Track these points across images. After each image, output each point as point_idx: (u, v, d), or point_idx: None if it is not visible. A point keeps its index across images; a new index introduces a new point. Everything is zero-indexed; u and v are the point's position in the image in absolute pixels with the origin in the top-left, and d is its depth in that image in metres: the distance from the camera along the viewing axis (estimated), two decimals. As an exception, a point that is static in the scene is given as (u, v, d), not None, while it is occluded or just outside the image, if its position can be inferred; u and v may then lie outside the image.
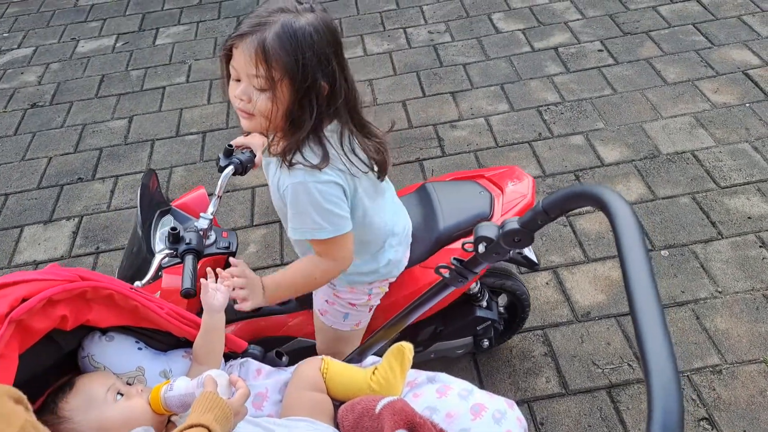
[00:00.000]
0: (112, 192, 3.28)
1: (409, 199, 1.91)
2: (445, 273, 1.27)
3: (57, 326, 1.15)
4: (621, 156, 3.07)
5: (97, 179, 3.38)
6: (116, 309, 1.26)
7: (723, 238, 2.64)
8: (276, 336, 2.01)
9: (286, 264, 2.78)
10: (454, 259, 1.26)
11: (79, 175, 3.42)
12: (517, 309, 2.21)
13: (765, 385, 2.16)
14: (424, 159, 3.20)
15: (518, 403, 1.40)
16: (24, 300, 1.07)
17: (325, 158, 1.35)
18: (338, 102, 1.34)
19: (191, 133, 3.59)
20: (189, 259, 1.53)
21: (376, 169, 1.47)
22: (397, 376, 1.41)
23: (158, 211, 1.78)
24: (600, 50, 3.78)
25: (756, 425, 2.06)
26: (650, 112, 3.30)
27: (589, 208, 2.83)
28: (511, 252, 1.16)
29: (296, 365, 1.46)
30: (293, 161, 1.34)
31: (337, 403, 1.39)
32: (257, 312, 1.97)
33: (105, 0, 5.12)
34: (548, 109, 3.42)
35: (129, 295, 1.25)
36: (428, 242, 1.80)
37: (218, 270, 1.42)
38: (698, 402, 2.14)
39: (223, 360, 1.41)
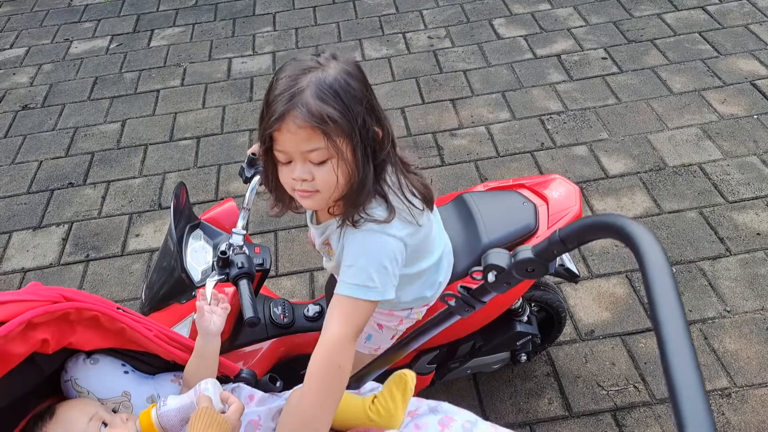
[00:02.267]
0: (104, 198, 3.19)
1: (444, 212, 1.79)
2: (451, 301, 1.19)
3: (37, 350, 1.07)
4: (626, 168, 3.00)
5: (88, 184, 3.29)
6: (102, 331, 1.17)
7: (731, 254, 2.57)
8: (309, 353, 1.93)
9: (282, 275, 2.69)
10: (461, 287, 1.18)
11: (70, 179, 3.33)
12: (554, 321, 2.13)
13: (776, 409, 2.09)
14: (423, 168, 3.12)
15: (520, 426, 1.33)
16: (1, 323, 0.99)
17: (391, 210, 1.24)
18: (389, 144, 1.23)
19: (185, 138, 3.51)
20: (244, 285, 1.46)
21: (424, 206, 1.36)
22: (398, 406, 1.33)
23: (188, 226, 1.71)
24: (604, 58, 3.71)
25: (767, 452, 1.98)
26: (656, 122, 3.23)
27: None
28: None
29: (291, 391, 1.38)
30: (356, 219, 1.23)
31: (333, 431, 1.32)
32: (290, 329, 1.90)
33: (99, 0, 5.03)
34: (551, 118, 3.34)
35: (115, 317, 1.16)
36: (471, 258, 1.70)
37: (214, 291, 1.33)
38: (707, 426, 2.06)
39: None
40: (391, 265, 1.23)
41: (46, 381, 1.22)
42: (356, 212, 1.22)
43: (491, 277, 1.09)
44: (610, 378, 2.23)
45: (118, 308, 1.20)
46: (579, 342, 2.35)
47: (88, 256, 2.88)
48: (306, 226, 2.85)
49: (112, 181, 3.29)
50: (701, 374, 0.63)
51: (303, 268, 2.71)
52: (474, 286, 1.16)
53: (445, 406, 1.37)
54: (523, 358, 2.11)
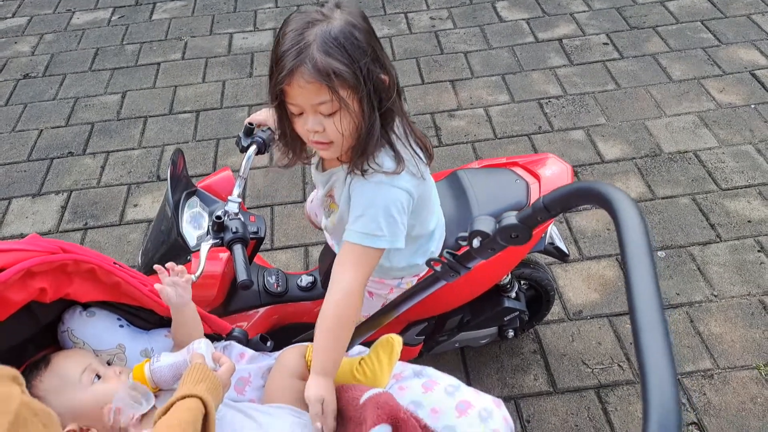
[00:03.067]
0: (103, 168, 3.22)
1: (439, 187, 1.82)
2: (437, 266, 1.22)
3: (35, 298, 1.10)
4: (622, 153, 3.02)
5: (87, 154, 3.31)
6: (98, 284, 1.21)
7: (721, 241, 2.60)
8: (302, 323, 1.97)
9: (277, 249, 2.73)
10: (447, 252, 1.21)
11: (70, 149, 3.35)
12: (543, 299, 2.17)
13: (757, 392, 2.13)
14: (422, 147, 3.14)
15: (505, 400, 1.37)
16: (1, 270, 1.02)
17: (400, 161, 1.28)
18: (394, 90, 1.26)
19: (185, 112, 3.53)
20: (238, 249, 1.50)
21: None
22: (384, 368, 1.36)
23: (185, 193, 1.73)
24: (605, 43, 3.72)
25: None
26: (654, 109, 3.25)
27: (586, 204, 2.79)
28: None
29: (280, 351, 1.42)
30: (365, 169, 1.27)
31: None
32: (283, 298, 1.94)
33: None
34: (549, 101, 3.36)
35: (112, 271, 1.20)
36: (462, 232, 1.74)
37: (169, 264, 1.29)
38: (688, 406, 2.11)
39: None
40: (399, 215, 1.28)
41: (44, 331, 1.26)
42: (365, 161, 1.26)
43: (476, 242, 1.13)
44: (596, 357, 2.27)
45: (114, 263, 1.23)
46: (567, 321, 2.39)
47: (86, 224, 2.91)
48: (302, 202, 2.90)
49: (112, 151, 3.31)
50: (669, 332, 0.66)
51: (298, 243, 2.75)
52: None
53: (429, 370, 1.41)
54: (510, 334, 2.15)
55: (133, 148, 3.31)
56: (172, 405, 1.01)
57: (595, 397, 2.17)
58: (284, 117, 1.28)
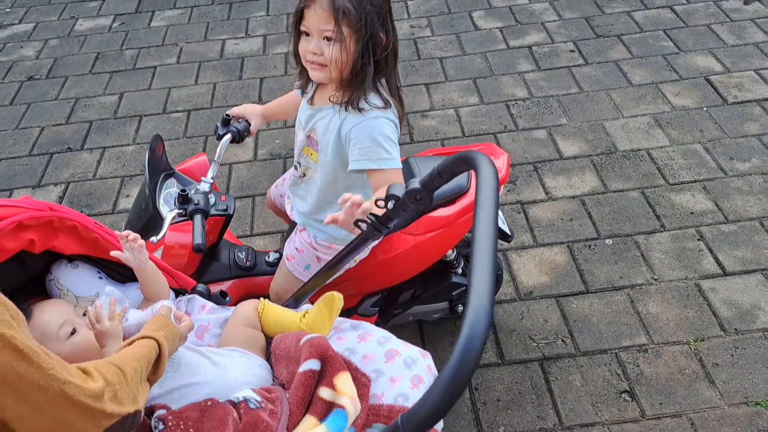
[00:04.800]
0: (99, 162, 3.45)
1: None
2: (363, 225, 1.44)
3: (25, 248, 1.32)
4: (579, 151, 3.25)
5: (85, 149, 3.55)
6: (79, 239, 1.43)
7: (665, 230, 2.82)
8: (267, 295, 2.18)
9: (256, 235, 2.96)
10: (370, 214, 1.43)
11: (69, 144, 3.59)
12: None
13: (685, 364, 2.34)
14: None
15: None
16: (-3, 222, 1.25)
17: (386, 101, 1.59)
18: (390, 51, 1.56)
19: (177, 111, 3.77)
20: (198, 218, 1.71)
21: None
22: (324, 320, 1.58)
23: (163, 174, 1.95)
24: (572, 51, 3.96)
25: (672, 398, 2.23)
26: (612, 111, 3.48)
27: (543, 196, 3.01)
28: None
29: (237, 306, 1.64)
30: (361, 106, 1.57)
31: (270, 339, 1.57)
32: (252, 272, 2.16)
33: (106, -19, 5.29)
34: (516, 103, 3.59)
35: (91, 228, 1.42)
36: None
37: (124, 232, 1.47)
38: (622, 376, 2.32)
39: (173, 294, 1.59)
40: (395, 139, 1.59)
41: (33, 281, 1.48)
42: (360, 97, 1.56)
43: (390, 204, 1.35)
44: (542, 333, 2.48)
45: (95, 223, 1.46)
46: (518, 301, 2.60)
47: (81, 212, 3.14)
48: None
49: (108, 147, 3.55)
50: (495, 257, 0.88)
51: (276, 230, 2.97)
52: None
53: (365, 324, 1.63)
54: (460, 308, 2.37)
55: (128, 144, 3.55)
56: (133, 341, 1.22)
57: (538, 368, 2.38)
58: (297, 41, 1.59)
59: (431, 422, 0.81)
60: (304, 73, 1.67)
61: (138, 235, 1.49)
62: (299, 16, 1.53)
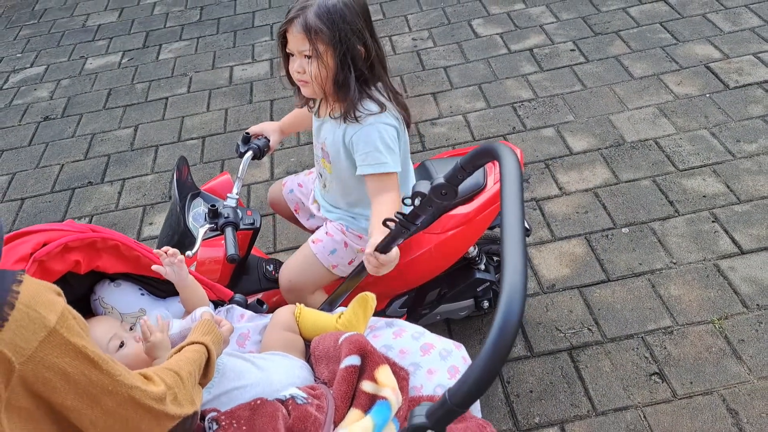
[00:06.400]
0: (120, 193, 3.54)
1: None
2: (392, 225, 1.51)
3: (72, 269, 1.40)
4: (588, 145, 3.31)
5: (105, 182, 3.65)
6: (122, 258, 1.51)
7: (679, 215, 2.87)
8: None
9: (279, 251, 3.03)
10: (397, 213, 1.49)
11: (90, 179, 3.69)
12: None
13: (711, 342, 2.37)
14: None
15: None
16: (45, 244, 1.32)
17: (381, 105, 1.68)
18: (372, 61, 1.66)
19: (192, 138, 3.87)
20: (229, 230, 1.79)
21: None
22: (360, 320, 1.64)
23: (189, 194, 2.03)
24: (572, 50, 4.04)
25: (701, 377, 2.27)
26: (617, 104, 3.54)
27: (556, 192, 3.07)
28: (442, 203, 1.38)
29: (274, 313, 1.70)
30: (357, 115, 1.66)
31: (308, 342, 1.63)
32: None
33: (111, 20, 5.43)
34: (522, 105, 3.66)
35: (132, 246, 1.50)
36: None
37: (163, 249, 1.56)
38: (650, 359, 2.36)
39: (212, 305, 1.65)
40: (392, 143, 1.68)
41: (79, 301, 1.55)
42: (353, 107, 1.66)
43: (417, 201, 1.41)
44: (568, 323, 2.53)
45: (135, 242, 1.54)
46: (541, 294, 2.65)
47: (107, 243, 3.23)
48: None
49: (127, 178, 3.65)
50: (525, 242, 0.93)
51: (299, 244, 3.03)
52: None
53: (400, 322, 1.69)
54: (486, 304, 2.42)
55: (147, 174, 3.64)
56: (182, 348, 1.29)
57: (567, 358, 2.42)
58: (285, 59, 1.71)
59: (478, 392, 0.85)
60: (299, 91, 1.78)
61: (177, 250, 1.56)
62: (283, 41, 1.66)
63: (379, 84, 1.73)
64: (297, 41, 1.60)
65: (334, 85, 1.65)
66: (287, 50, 1.67)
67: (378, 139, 1.66)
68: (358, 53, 1.63)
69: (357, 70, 1.63)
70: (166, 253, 1.54)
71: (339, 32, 1.57)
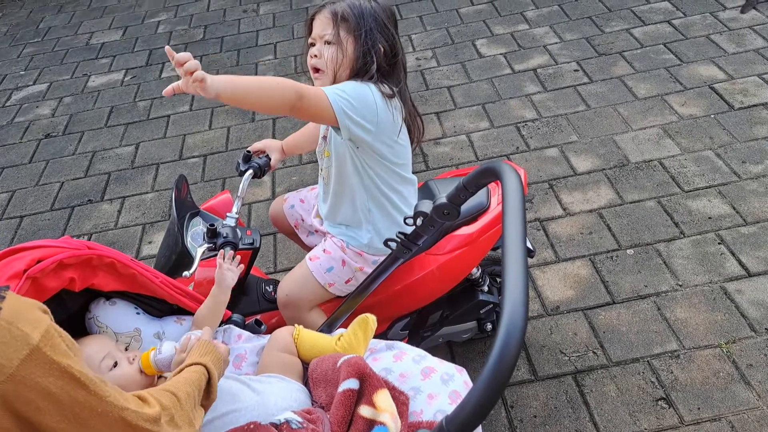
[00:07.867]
0: (119, 212, 3.52)
1: None
2: (393, 245, 1.48)
3: (66, 287, 1.36)
4: (592, 165, 3.28)
5: (105, 200, 3.62)
6: (118, 276, 1.47)
7: (685, 236, 2.83)
8: None
9: (280, 271, 2.99)
10: (399, 233, 1.46)
11: (89, 197, 3.66)
12: None
13: (719, 367, 2.32)
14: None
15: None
16: (39, 261, 1.28)
17: (393, 94, 1.68)
18: (394, 60, 1.69)
19: (193, 156, 3.85)
20: (227, 250, 1.76)
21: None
22: (360, 342, 1.60)
23: (189, 213, 2.00)
24: (576, 70, 4.02)
25: (709, 403, 2.21)
26: (621, 125, 3.52)
27: (560, 212, 3.04)
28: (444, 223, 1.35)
29: (272, 334, 1.66)
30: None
31: (306, 364, 1.59)
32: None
33: (115, 38, 5.45)
34: (526, 125, 3.64)
35: (128, 264, 1.46)
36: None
37: (229, 253, 1.66)
38: (657, 384, 2.30)
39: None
40: (359, 104, 1.59)
41: (72, 320, 1.52)
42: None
43: (419, 221, 1.38)
44: (572, 346, 2.48)
45: (131, 259, 1.50)
46: (545, 317, 2.61)
47: (106, 261, 3.19)
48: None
49: (127, 196, 3.62)
50: (527, 262, 0.90)
51: (299, 264, 3.00)
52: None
53: (400, 344, 1.64)
54: (489, 326, 2.38)
55: (147, 192, 3.62)
56: (183, 369, 1.25)
57: (572, 382, 2.37)
58: (308, 49, 1.73)
59: (477, 420, 0.81)
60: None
61: (238, 257, 1.67)
62: (310, 30, 1.71)
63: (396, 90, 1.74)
64: (322, 24, 1.65)
65: (350, 71, 1.67)
66: (310, 40, 1.71)
67: (356, 88, 1.60)
68: (380, 50, 1.66)
69: (378, 62, 1.66)
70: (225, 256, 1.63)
71: (366, 26, 1.63)
